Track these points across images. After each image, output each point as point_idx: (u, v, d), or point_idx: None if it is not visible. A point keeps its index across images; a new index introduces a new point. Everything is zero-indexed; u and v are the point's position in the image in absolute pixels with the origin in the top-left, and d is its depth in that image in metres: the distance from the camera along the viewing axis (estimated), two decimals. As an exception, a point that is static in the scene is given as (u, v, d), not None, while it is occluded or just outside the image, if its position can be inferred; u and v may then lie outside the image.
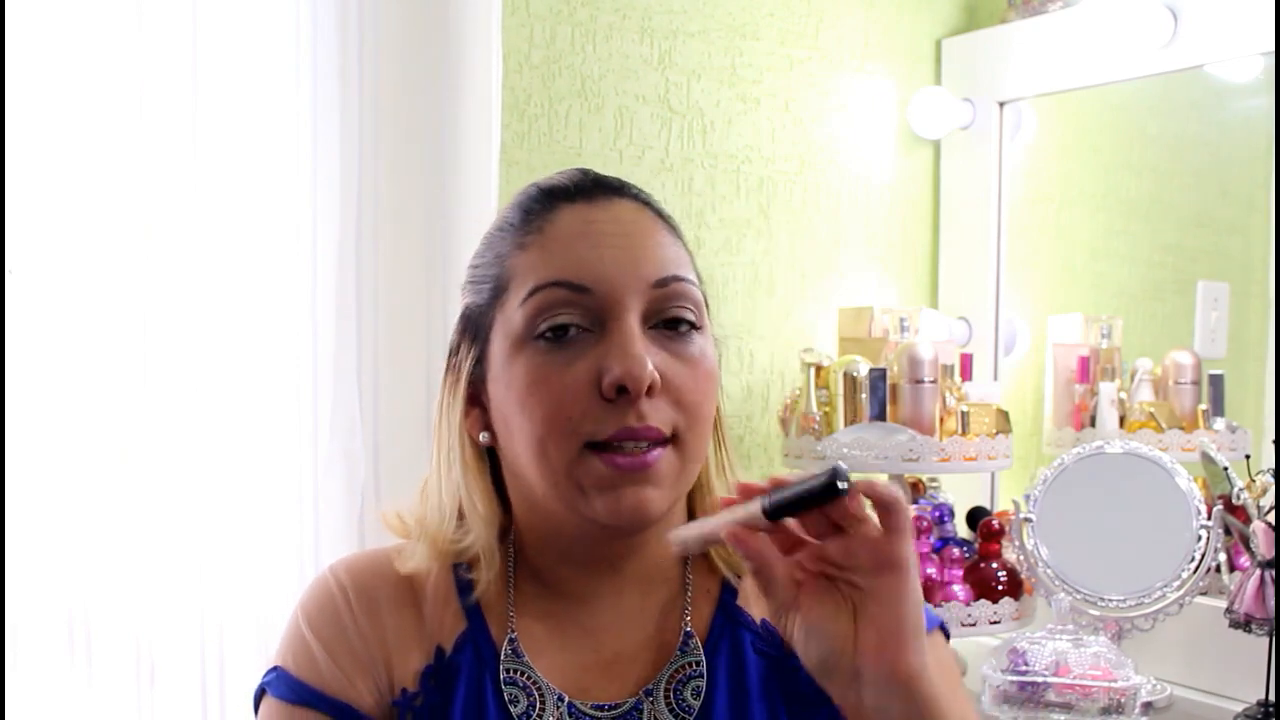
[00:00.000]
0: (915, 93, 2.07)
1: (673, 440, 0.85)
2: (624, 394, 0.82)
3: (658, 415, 0.84)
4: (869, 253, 2.06)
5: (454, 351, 0.93)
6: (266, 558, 1.46)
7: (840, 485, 0.73)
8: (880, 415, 1.67)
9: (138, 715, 1.38)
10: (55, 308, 1.34)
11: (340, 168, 1.48)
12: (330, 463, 1.49)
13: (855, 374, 1.72)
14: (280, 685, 0.90)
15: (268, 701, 0.90)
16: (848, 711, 0.76)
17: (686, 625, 0.92)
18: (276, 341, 1.47)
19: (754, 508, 0.75)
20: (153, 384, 1.39)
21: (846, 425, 1.71)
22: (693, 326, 0.88)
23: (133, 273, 1.38)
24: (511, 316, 0.86)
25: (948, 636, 0.98)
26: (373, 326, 1.52)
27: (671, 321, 0.87)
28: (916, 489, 1.87)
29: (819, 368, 1.77)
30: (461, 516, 0.92)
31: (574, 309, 0.84)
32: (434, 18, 1.51)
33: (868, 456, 1.64)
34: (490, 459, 0.93)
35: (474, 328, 0.90)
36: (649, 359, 0.83)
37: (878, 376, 1.68)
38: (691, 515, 0.94)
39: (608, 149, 1.77)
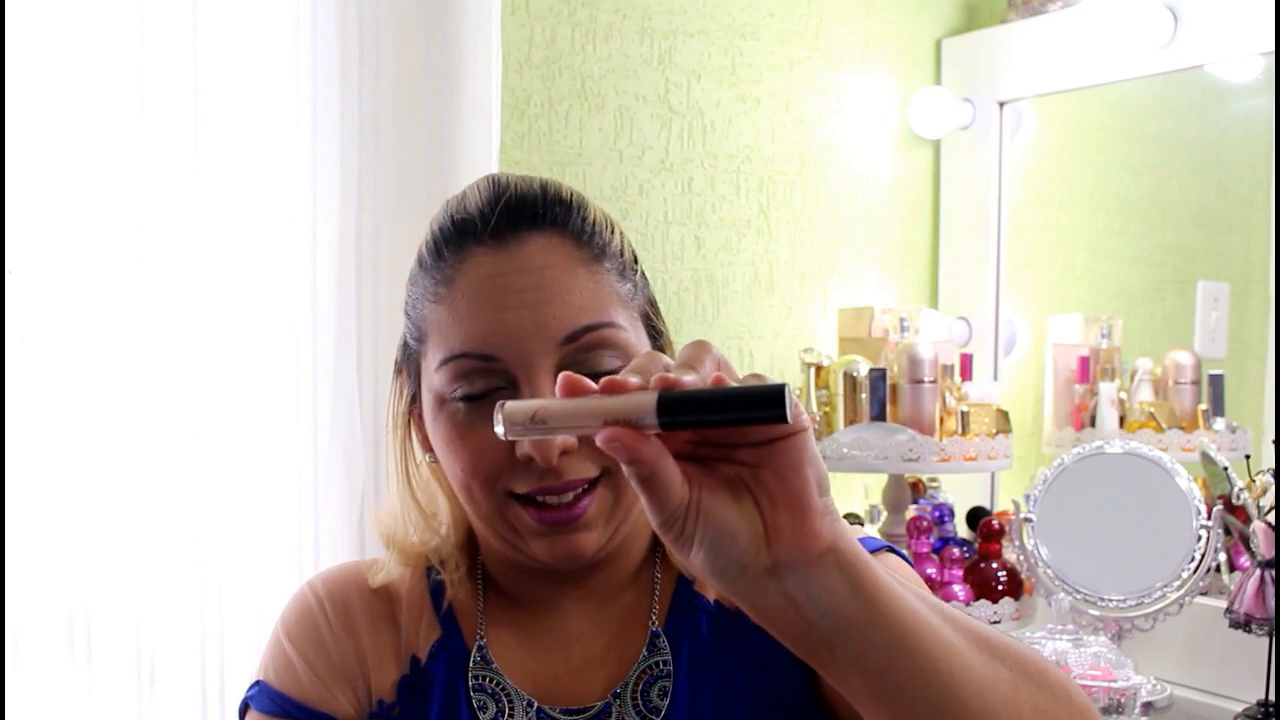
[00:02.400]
0: (915, 93, 2.07)
1: (604, 476, 0.84)
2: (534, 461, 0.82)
3: (578, 468, 0.82)
4: (869, 253, 2.06)
5: (397, 370, 0.93)
6: (266, 558, 1.46)
7: (784, 411, 0.56)
8: (880, 415, 1.67)
9: (138, 715, 1.38)
10: (55, 307, 1.34)
11: (340, 167, 1.48)
12: (330, 463, 1.49)
13: (855, 374, 1.72)
14: (263, 699, 0.91)
15: (251, 715, 0.91)
16: (786, 629, 0.61)
17: (654, 624, 0.91)
18: (276, 342, 1.47)
19: (643, 403, 0.57)
20: (153, 384, 1.39)
21: (846, 425, 1.71)
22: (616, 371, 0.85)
23: (132, 273, 1.38)
24: (432, 374, 0.86)
25: (903, 559, 0.93)
26: (373, 327, 1.52)
27: (593, 372, 0.81)
28: (916, 489, 1.87)
29: (819, 368, 1.77)
30: (425, 521, 0.93)
31: (485, 375, 0.83)
32: (434, 18, 1.51)
33: (868, 456, 1.64)
34: None
35: (409, 362, 0.90)
36: None
37: (878, 376, 1.68)
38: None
39: (608, 149, 1.77)
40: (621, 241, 0.89)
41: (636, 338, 0.86)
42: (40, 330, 1.33)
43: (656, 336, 0.90)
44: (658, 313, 0.92)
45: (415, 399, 0.91)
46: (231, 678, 1.43)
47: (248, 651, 1.44)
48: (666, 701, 0.88)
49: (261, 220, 1.45)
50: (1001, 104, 2.03)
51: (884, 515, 1.80)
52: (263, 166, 1.45)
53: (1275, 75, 1.63)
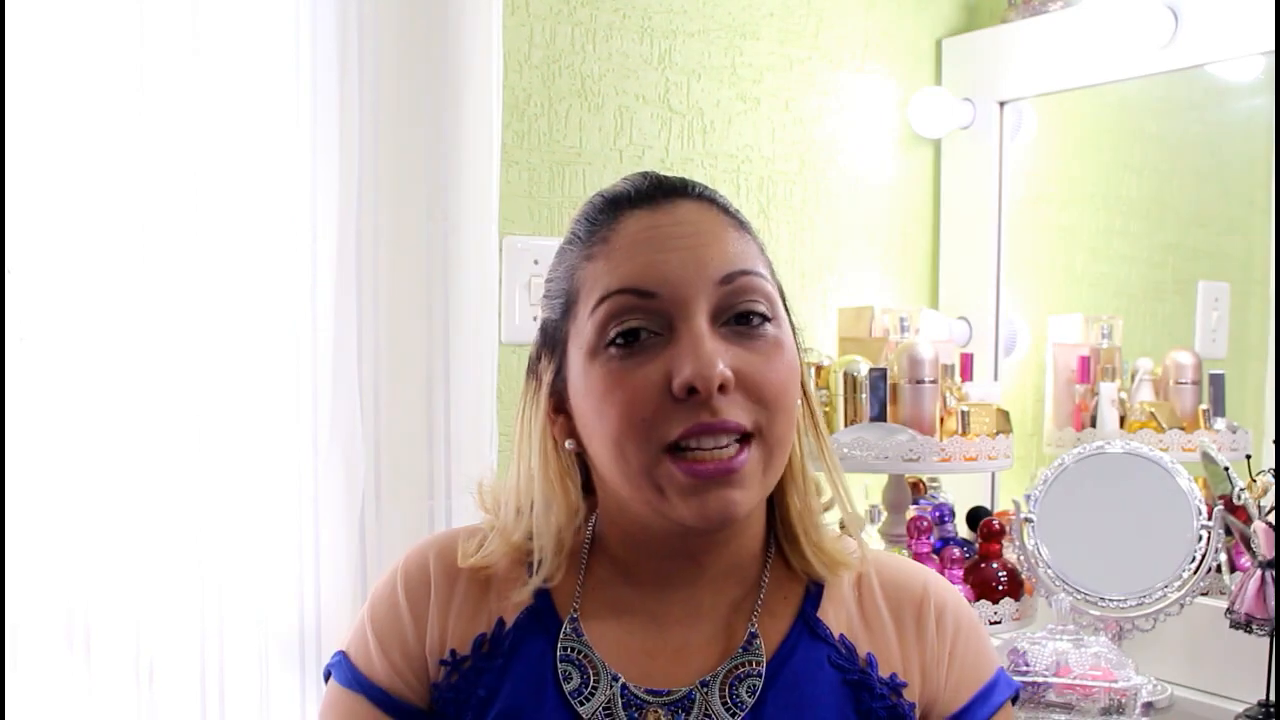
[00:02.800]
0: (915, 93, 2.07)
1: (755, 435, 0.86)
2: (695, 394, 0.83)
3: (734, 411, 0.84)
4: (869, 253, 2.06)
5: (534, 362, 0.95)
6: (266, 558, 1.46)
7: None
8: (880, 415, 1.67)
9: (138, 715, 1.38)
10: (55, 307, 1.34)
11: (340, 167, 1.48)
12: (330, 463, 1.49)
13: (855, 374, 1.72)
14: (341, 670, 0.96)
15: (331, 683, 0.97)
16: None
17: (753, 625, 0.92)
18: (276, 342, 1.46)
19: None
20: (153, 384, 1.38)
21: (846, 425, 1.71)
22: (765, 319, 0.88)
23: (132, 273, 1.37)
24: (583, 327, 0.88)
25: (1016, 700, 0.99)
26: (373, 327, 1.51)
27: (743, 316, 0.87)
28: (917, 489, 1.87)
29: (819, 368, 1.77)
30: (532, 518, 0.94)
31: (642, 314, 0.86)
32: (434, 17, 1.51)
33: (868, 456, 1.64)
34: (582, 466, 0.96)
35: (551, 341, 0.92)
36: (719, 358, 0.84)
37: (878, 376, 1.68)
38: (774, 508, 0.95)
39: (608, 149, 1.77)
40: (757, 232, 0.95)
41: (778, 301, 0.91)
42: (40, 330, 1.33)
43: (789, 315, 0.94)
44: (784, 299, 0.95)
45: (560, 372, 0.91)
46: (231, 678, 1.43)
47: (248, 651, 1.44)
48: (754, 700, 0.89)
49: (261, 220, 1.45)
50: (1002, 104, 2.03)
51: (884, 515, 1.80)
52: (263, 166, 1.44)
53: (1275, 75, 1.63)
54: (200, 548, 1.41)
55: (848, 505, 0.96)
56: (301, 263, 1.47)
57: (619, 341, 0.86)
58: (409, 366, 1.53)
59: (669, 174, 0.93)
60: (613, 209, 0.90)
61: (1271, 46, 1.62)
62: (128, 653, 1.37)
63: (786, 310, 0.94)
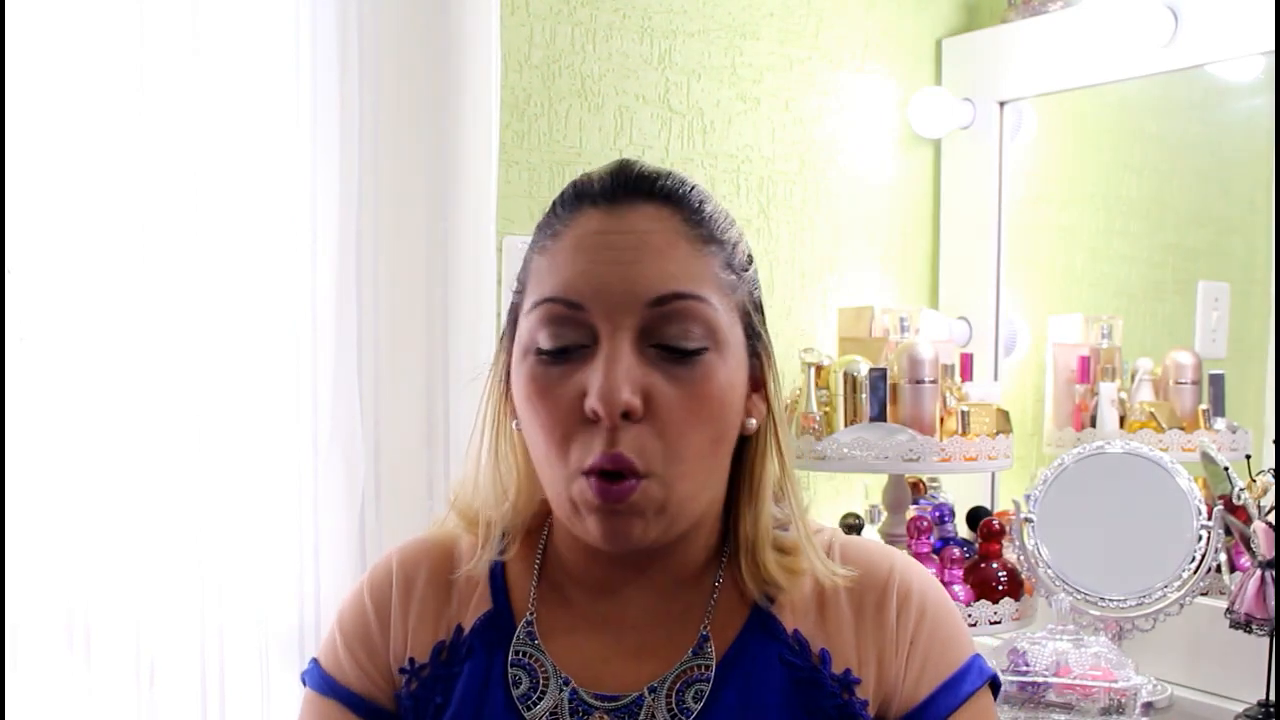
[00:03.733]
0: (915, 93, 2.07)
1: (651, 474, 0.83)
2: (600, 418, 0.82)
3: (632, 444, 0.82)
4: (869, 253, 2.06)
5: (502, 335, 0.94)
6: (266, 558, 1.46)
7: None
8: (880, 415, 1.67)
9: (138, 715, 1.38)
10: (55, 307, 1.34)
11: (340, 168, 1.48)
12: (330, 463, 1.49)
13: (855, 374, 1.72)
14: (313, 676, 0.97)
15: (305, 690, 0.98)
16: None
17: (704, 629, 0.91)
18: (276, 343, 1.46)
19: None
20: (153, 384, 1.38)
21: (846, 425, 1.71)
22: (699, 350, 0.84)
23: (132, 273, 1.37)
24: (523, 324, 0.87)
25: (996, 691, 0.95)
26: (373, 327, 1.51)
27: (670, 344, 0.84)
28: (917, 489, 1.87)
29: (819, 368, 1.77)
30: (496, 490, 0.94)
31: (571, 325, 0.84)
32: (434, 17, 1.51)
33: (868, 456, 1.63)
34: None
35: (510, 322, 0.92)
36: (626, 385, 0.81)
37: (878, 376, 1.68)
38: (728, 535, 0.94)
39: (608, 149, 1.77)
40: (737, 240, 0.90)
41: (729, 326, 0.87)
42: (40, 330, 1.33)
43: (754, 339, 0.90)
44: (762, 319, 0.92)
45: (508, 367, 0.91)
46: (231, 678, 1.43)
47: (247, 651, 1.44)
48: (700, 705, 0.88)
49: (261, 220, 1.45)
50: (1002, 104, 2.03)
51: (884, 515, 1.80)
52: (263, 166, 1.44)
53: (1275, 75, 1.63)
54: (200, 548, 1.41)
55: (806, 542, 0.92)
56: (301, 263, 1.47)
57: (547, 349, 0.85)
58: (409, 366, 1.53)
59: (649, 166, 0.89)
60: (576, 200, 0.89)
61: (1271, 46, 1.62)
62: (128, 653, 1.37)
63: (754, 331, 0.90)
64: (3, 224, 1.29)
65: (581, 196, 0.89)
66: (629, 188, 0.88)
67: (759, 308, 0.92)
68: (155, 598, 1.39)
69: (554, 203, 0.91)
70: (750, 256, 0.92)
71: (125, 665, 1.37)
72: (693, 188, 0.89)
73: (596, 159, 1.75)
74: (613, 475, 0.83)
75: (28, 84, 1.31)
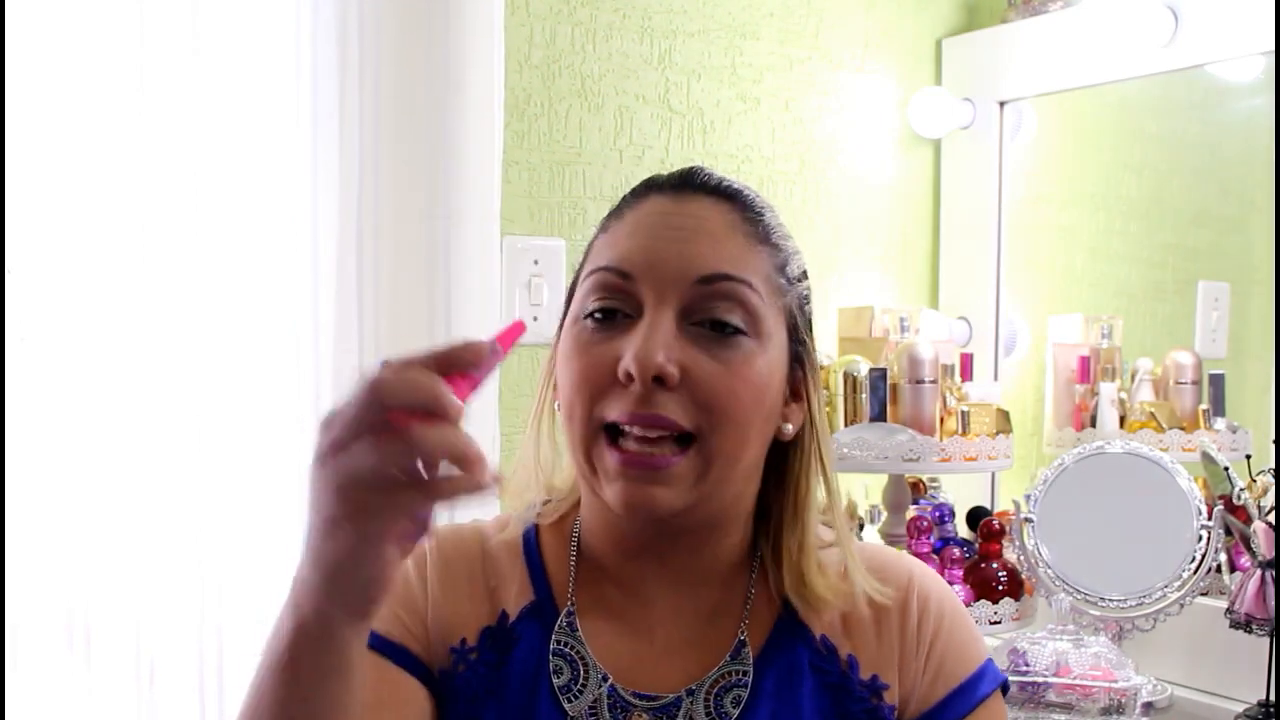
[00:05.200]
0: (915, 93, 2.07)
1: (695, 439, 0.85)
2: (634, 380, 0.83)
3: (671, 408, 0.83)
4: (869, 253, 2.06)
5: (561, 316, 0.96)
6: (266, 558, 1.45)
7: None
8: (880, 415, 1.67)
9: (138, 715, 1.38)
10: (55, 307, 1.34)
11: (340, 168, 1.48)
12: (330, 463, 1.49)
13: (855, 374, 1.72)
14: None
15: None
16: None
17: (742, 634, 0.92)
18: (277, 343, 1.46)
19: None
20: (153, 384, 1.38)
21: (846, 425, 1.71)
22: (738, 330, 0.86)
23: (132, 273, 1.37)
24: (576, 296, 0.90)
25: (1005, 691, 0.97)
26: (373, 327, 1.51)
27: (715, 322, 0.86)
28: (917, 489, 1.87)
29: (819, 367, 1.77)
30: (538, 468, 0.96)
31: (620, 295, 0.87)
32: (434, 17, 1.51)
33: (868, 456, 1.63)
34: None
35: (567, 300, 0.94)
36: (664, 351, 0.83)
37: (878, 376, 1.68)
38: (760, 520, 0.95)
39: (608, 149, 1.77)
40: (794, 252, 0.93)
41: (773, 321, 0.88)
42: (40, 330, 1.33)
43: (798, 345, 0.92)
44: (809, 329, 0.93)
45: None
46: (231, 677, 1.43)
47: (248, 651, 1.44)
48: (738, 711, 0.89)
49: (262, 220, 1.45)
50: (1002, 104, 2.03)
51: (884, 515, 1.80)
52: (263, 166, 1.44)
53: (1275, 75, 1.63)
54: (200, 548, 1.41)
55: (855, 567, 0.93)
56: (302, 262, 1.47)
57: (596, 315, 0.87)
58: (409, 367, 1.53)
59: (717, 172, 0.92)
60: (644, 190, 0.92)
61: (1271, 46, 1.62)
62: (128, 653, 1.37)
63: (800, 339, 0.92)
64: (3, 224, 1.29)
65: (650, 186, 0.92)
66: (696, 183, 0.91)
67: (808, 322, 0.94)
68: (155, 598, 1.39)
69: (626, 194, 0.94)
70: (805, 273, 0.94)
71: (125, 665, 1.37)
72: (757, 195, 0.93)
73: (596, 159, 1.76)
74: (641, 438, 0.83)
75: (28, 84, 1.31)
